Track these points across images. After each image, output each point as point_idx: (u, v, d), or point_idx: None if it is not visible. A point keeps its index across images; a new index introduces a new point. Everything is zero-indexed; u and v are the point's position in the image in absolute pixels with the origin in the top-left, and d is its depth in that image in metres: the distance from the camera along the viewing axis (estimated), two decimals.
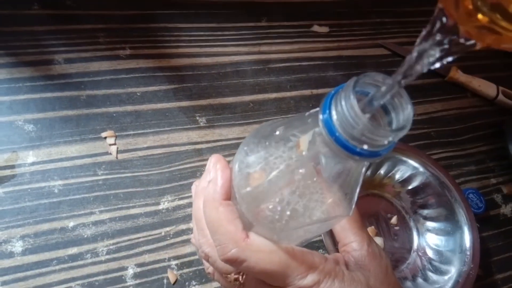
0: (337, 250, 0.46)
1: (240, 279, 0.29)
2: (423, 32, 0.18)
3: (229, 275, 0.30)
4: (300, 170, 0.24)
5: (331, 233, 0.45)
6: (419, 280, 0.49)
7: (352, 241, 0.32)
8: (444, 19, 0.17)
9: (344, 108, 0.19)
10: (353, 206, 0.27)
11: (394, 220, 0.53)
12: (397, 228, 0.53)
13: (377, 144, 0.20)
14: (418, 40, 0.18)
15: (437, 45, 0.17)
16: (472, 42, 0.17)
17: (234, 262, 0.26)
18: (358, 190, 0.25)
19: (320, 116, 0.21)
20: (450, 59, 0.18)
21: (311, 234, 0.30)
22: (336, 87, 0.22)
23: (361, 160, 0.21)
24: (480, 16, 0.16)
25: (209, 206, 0.28)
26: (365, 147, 0.20)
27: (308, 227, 0.26)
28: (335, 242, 0.45)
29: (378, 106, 0.20)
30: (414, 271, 0.50)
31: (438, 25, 0.17)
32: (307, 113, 0.24)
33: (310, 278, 0.27)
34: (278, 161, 0.25)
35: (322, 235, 0.45)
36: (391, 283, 0.31)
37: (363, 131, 0.19)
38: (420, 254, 0.51)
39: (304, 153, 0.23)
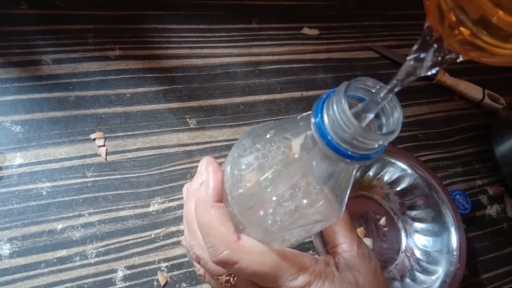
0: (327, 252, 0.46)
1: (231, 281, 0.30)
2: (414, 47, 0.19)
3: (220, 277, 0.30)
4: (292, 173, 0.24)
5: (321, 235, 0.45)
6: (407, 280, 0.49)
7: (342, 243, 0.32)
8: (431, 35, 0.18)
9: (336, 112, 0.20)
10: (344, 208, 0.27)
11: (382, 221, 0.54)
12: (385, 229, 0.53)
13: (368, 147, 0.20)
14: (410, 53, 0.19)
15: (426, 58, 0.18)
16: (454, 55, 0.18)
17: (225, 264, 0.26)
18: (348, 192, 0.25)
19: (312, 120, 0.21)
20: (436, 69, 0.19)
21: (302, 236, 0.31)
22: (328, 91, 0.22)
23: (352, 163, 0.21)
24: (462, 29, 0.17)
25: (201, 208, 0.28)
26: (356, 150, 0.20)
27: (299, 229, 0.26)
28: (325, 244, 0.45)
29: (373, 115, 0.21)
30: (403, 271, 0.50)
31: (426, 40, 0.18)
32: (299, 116, 0.24)
33: (301, 279, 0.27)
34: (270, 164, 0.25)
35: (312, 236, 0.46)
36: (380, 283, 0.32)
37: (354, 135, 0.19)
38: (408, 254, 0.52)
39: (296, 156, 0.24)
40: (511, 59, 0.18)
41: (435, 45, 0.18)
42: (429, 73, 0.19)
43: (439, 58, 0.18)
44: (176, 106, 0.54)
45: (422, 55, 0.19)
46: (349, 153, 0.20)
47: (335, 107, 0.20)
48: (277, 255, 0.27)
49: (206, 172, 0.29)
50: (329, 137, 0.20)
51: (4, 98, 0.48)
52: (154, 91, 0.54)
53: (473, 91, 0.68)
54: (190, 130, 0.53)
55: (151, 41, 0.57)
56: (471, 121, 0.67)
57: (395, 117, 0.21)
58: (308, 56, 0.64)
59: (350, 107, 0.20)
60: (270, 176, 0.25)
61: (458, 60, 0.18)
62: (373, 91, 0.21)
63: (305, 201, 0.25)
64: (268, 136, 0.26)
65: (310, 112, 0.23)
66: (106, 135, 0.49)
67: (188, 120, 0.53)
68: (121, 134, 0.50)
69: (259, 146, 0.26)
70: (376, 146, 0.20)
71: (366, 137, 0.19)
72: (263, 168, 0.25)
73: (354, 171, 0.24)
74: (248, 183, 0.26)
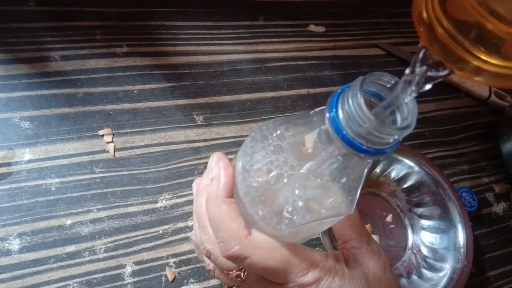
0: (334, 249, 0.46)
1: (242, 276, 0.30)
2: (407, 70, 0.20)
3: (230, 272, 0.30)
4: (305, 168, 0.24)
5: (328, 232, 0.45)
6: (414, 277, 0.49)
7: (352, 239, 0.32)
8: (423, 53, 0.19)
9: (351, 107, 0.20)
10: (355, 204, 0.27)
11: (389, 218, 0.54)
12: (392, 226, 0.53)
13: (383, 142, 0.20)
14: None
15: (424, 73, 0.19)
16: (446, 72, 0.19)
17: (236, 259, 0.27)
18: (360, 188, 0.26)
19: (327, 114, 0.21)
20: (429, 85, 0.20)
21: (313, 231, 0.31)
22: (342, 86, 0.22)
23: (366, 157, 0.21)
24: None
25: (212, 204, 0.28)
26: (371, 145, 0.20)
27: (310, 225, 0.26)
28: (332, 241, 0.45)
29: (389, 111, 0.21)
30: (409, 268, 0.50)
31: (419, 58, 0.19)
32: (311, 112, 0.24)
33: (311, 275, 0.27)
34: (282, 159, 0.25)
35: (320, 233, 0.46)
36: (389, 280, 0.32)
37: (370, 130, 0.20)
38: (415, 252, 0.52)
39: (309, 150, 0.24)
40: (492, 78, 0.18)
41: (429, 64, 0.19)
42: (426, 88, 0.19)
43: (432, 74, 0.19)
44: (183, 102, 0.54)
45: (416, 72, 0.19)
46: (364, 147, 0.20)
47: (350, 101, 0.20)
48: (288, 250, 0.27)
49: (217, 167, 0.29)
50: (344, 132, 0.20)
51: (13, 94, 0.48)
52: (161, 87, 0.54)
53: (480, 88, 0.68)
54: (197, 127, 0.53)
55: (158, 38, 0.57)
56: (477, 118, 0.67)
57: (410, 111, 0.21)
58: (314, 53, 0.64)
59: (365, 102, 0.20)
60: (282, 171, 0.25)
61: (447, 75, 0.19)
62: (388, 86, 0.21)
63: (317, 196, 0.25)
64: (280, 131, 0.26)
65: (323, 107, 0.24)
66: (114, 132, 0.49)
67: (195, 116, 0.53)
68: (129, 130, 0.50)
69: (271, 141, 0.26)
70: (391, 140, 0.20)
71: (382, 131, 0.19)
72: (275, 163, 0.26)
73: (367, 167, 0.24)
74: (260, 178, 0.26)
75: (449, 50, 0.19)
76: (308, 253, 0.28)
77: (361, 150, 0.20)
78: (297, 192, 0.25)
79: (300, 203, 0.25)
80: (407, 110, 0.21)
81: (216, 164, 0.30)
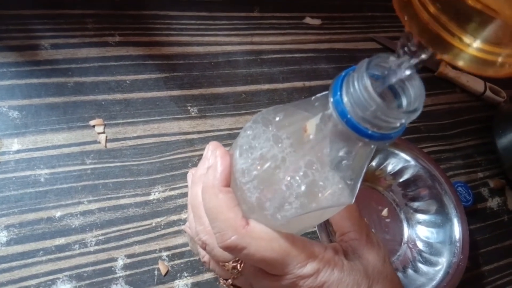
0: (329, 239, 0.45)
1: (238, 267, 0.29)
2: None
3: (226, 264, 0.29)
4: (305, 155, 0.24)
5: (325, 227, 0.45)
6: (410, 271, 0.49)
7: (351, 231, 0.32)
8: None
9: (357, 89, 0.19)
10: (356, 194, 0.26)
11: (385, 212, 0.53)
12: (388, 220, 0.53)
13: (389, 126, 0.19)
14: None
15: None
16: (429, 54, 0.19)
17: (233, 249, 0.26)
18: (362, 177, 0.25)
19: (331, 99, 0.20)
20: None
21: (312, 221, 0.30)
22: (346, 69, 0.21)
23: (371, 142, 0.20)
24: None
25: (208, 193, 0.27)
26: (377, 129, 0.19)
27: (309, 215, 0.26)
28: (329, 236, 0.44)
29: (387, 85, 0.20)
30: (405, 262, 0.50)
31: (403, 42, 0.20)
32: (313, 97, 0.24)
33: (309, 267, 0.27)
34: (282, 146, 0.24)
35: (316, 228, 0.45)
36: (389, 272, 0.31)
37: (376, 113, 0.19)
38: (411, 246, 0.51)
39: (311, 136, 0.23)
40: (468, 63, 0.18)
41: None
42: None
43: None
44: (177, 94, 0.53)
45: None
46: (369, 132, 0.19)
47: (356, 84, 0.19)
48: (286, 241, 0.26)
49: (214, 156, 0.28)
50: (348, 116, 0.19)
51: (1, 83, 0.46)
52: (154, 78, 0.53)
53: (475, 84, 0.68)
54: (191, 118, 0.52)
55: (151, 27, 0.56)
56: (472, 113, 0.67)
57: (418, 96, 0.20)
58: (310, 46, 0.63)
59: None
60: (281, 159, 0.25)
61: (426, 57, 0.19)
62: (394, 68, 0.20)
63: (317, 185, 0.24)
64: (280, 117, 0.26)
65: (325, 92, 0.23)
66: (105, 122, 0.48)
67: (189, 108, 0.52)
68: (121, 121, 0.48)
69: (270, 128, 0.25)
70: (398, 125, 0.20)
71: (389, 114, 0.19)
72: (274, 150, 0.25)
73: (370, 155, 0.23)
74: (259, 165, 0.25)
75: (432, 32, 0.18)
76: (307, 245, 0.27)
77: (366, 135, 0.20)
78: (296, 180, 0.24)
79: (300, 192, 0.24)
80: (414, 94, 0.20)
81: (213, 153, 0.29)
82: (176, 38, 0.56)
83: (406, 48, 0.19)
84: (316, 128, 0.22)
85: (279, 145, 0.24)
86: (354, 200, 0.27)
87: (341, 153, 0.22)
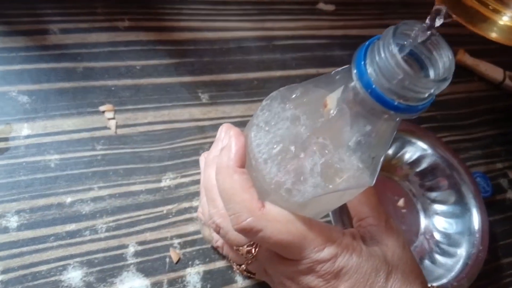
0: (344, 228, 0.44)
1: (253, 251, 0.28)
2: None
3: (241, 248, 0.28)
4: (325, 132, 0.22)
5: (340, 216, 0.44)
6: (427, 262, 0.48)
7: (369, 216, 0.30)
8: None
9: (383, 58, 0.18)
10: (377, 175, 0.25)
11: (401, 202, 0.52)
12: (404, 211, 0.52)
13: (416, 97, 0.18)
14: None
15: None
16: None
17: (248, 232, 0.25)
18: (384, 156, 0.24)
19: (354, 70, 0.19)
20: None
21: (329, 205, 0.29)
22: (370, 39, 0.20)
23: (396, 115, 0.19)
24: None
25: (222, 174, 0.26)
26: (403, 100, 0.18)
27: (327, 196, 0.24)
28: (344, 223, 0.43)
29: (408, 49, 0.19)
30: (422, 253, 0.49)
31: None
32: (333, 71, 0.22)
33: (327, 251, 0.26)
34: (300, 123, 0.23)
35: (331, 215, 0.44)
36: (409, 258, 0.30)
37: (404, 82, 0.17)
38: (428, 237, 0.50)
39: (331, 112, 0.22)
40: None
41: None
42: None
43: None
44: (188, 80, 0.52)
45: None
46: (395, 103, 0.18)
47: (382, 52, 0.18)
48: (303, 224, 0.25)
49: (228, 136, 0.27)
50: (373, 86, 0.18)
51: (10, 68, 0.46)
52: (165, 64, 0.52)
53: (494, 72, 0.66)
54: (202, 105, 0.51)
55: (161, 12, 0.55)
56: (491, 103, 0.65)
57: (446, 63, 0.18)
58: (324, 32, 0.61)
59: None
60: (299, 137, 0.23)
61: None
62: (421, 36, 0.19)
63: (336, 164, 0.23)
64: (297, 95, 0.24)
65: (346, 66, 0.22)
66: (115, 108, 0.47)
67: (200, 95, 0.51)
68: (131, 107, 0.48)
69: (287, 106, 0.24)
70: (426, 95, 0.18)
71: (417, 83, 0.17)
72: (292, 128, 0.24)
73: (394, 131, 0.22)
74: (276, 145, 0.24)
75: (464, 4, 0.18)
76: (324, 229, 0.26)
77: (392, 107, 0.18)
78: (315, 160, 0.23)
79: (318, 171, 0.23)
80: (443, 63, 0.19)
81: (226, 133, 0.28)
82: (187, 24, 0.55)
83: (435, 20, 0.18)
84: (336, 103, 0.21)
85: (297, 123, 0.23)
86: (374, 182, 0.25)
87: (363, 130, 0.21)
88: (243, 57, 0.55)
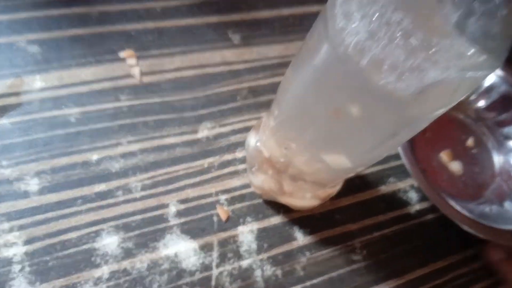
0: (420, 170, 0.38)
1: None
2: None
3: None
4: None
5: (410, 150, 0.37)
6: (507, 203, 0.41)
7: None
8: None
9: None
10: (505, 56, 0.19)
11: (470, 142, 0.45)
12: (474, 151, 0.45)
13: None
14: None
15: None
16: None
17: None
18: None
19: None
20: None
21: (439, 103, 0.22)
22: None
23: None
24: None
25: None
26: None
27: (441, 88, 0.18)
28: (416, 161, 0.37)
29: None
30: (501, 195, 0.42)
31: None
32: None
33: None
34: None
35: (401, 153, 0.38)
36: None
37: None
38: (505, 178, 0.43)
39: None
40: None
41: None
42: None
43: None
44: (215, 20, 0.45)
45: None
46: None
47: None
48: None
49: None
50: None
51: (16, 16, 0.40)
52: (188, 4, 0.45)
53: None
54: (234, 47, 0.44)
55: None
56: None
57: None
58: None
59: None
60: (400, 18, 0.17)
61: None
62: None
63: (450, 44, 0.17)
64: None
65: None
66: (137, 54, 0.41)
67: (230, 35, 0.45)
68: (155, 52, 0.41)
69: None
70: None
71: None
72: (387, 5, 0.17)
73: None
74: (370, 27, 0.18)
75: None
76: None
77: None
78: (420, 37, 0.17)
79: (429, 54, 0.17)
80: None
81: None
82: None
83: None
84: None
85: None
86: (502, 64, 0.19)
87: None
88: None
